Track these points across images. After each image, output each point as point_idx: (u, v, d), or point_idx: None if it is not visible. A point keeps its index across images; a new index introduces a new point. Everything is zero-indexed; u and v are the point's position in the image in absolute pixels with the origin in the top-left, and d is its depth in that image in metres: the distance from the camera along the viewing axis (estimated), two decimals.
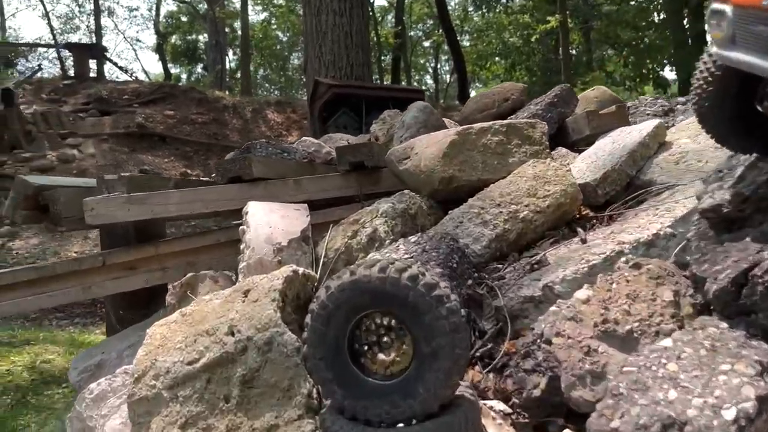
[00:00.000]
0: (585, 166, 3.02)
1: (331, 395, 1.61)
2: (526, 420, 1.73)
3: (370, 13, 21.63)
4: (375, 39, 23.20)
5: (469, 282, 2.31)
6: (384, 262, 1.58)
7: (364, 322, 1.63)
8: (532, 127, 3.13)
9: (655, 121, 3.16)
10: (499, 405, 1.77)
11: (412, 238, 2.50)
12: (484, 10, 23.03)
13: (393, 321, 1.61)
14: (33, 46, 28.84)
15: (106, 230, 3.41)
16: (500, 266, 2.49)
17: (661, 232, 2.14)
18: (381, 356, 1.62)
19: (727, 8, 1.44)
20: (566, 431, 1.61)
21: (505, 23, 21.10)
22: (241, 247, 2.76)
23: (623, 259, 1.96)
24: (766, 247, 1.52)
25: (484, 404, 1.76)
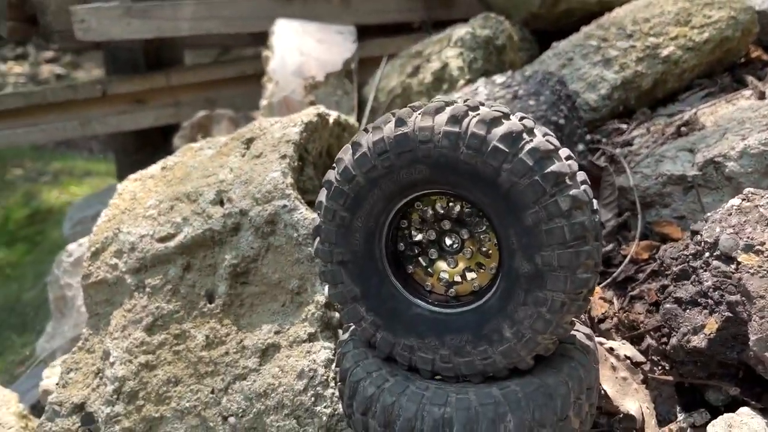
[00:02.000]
0: None
1: (357, 321, 0.97)
2: (668, 377, 1.07)
3: None
4: None
5: (579, 148, 1.57)
6: (459, 107, 0.86)
7: (416, 207, 0.95)
8: None
9: None
10: (624, 348, 1.11)
11: (499, 78, 1.73)
12: None
13: (466, 210, 0.92)
14: None
15: (110, 51, 2.75)
16: (624, 126, 1.72)
17: None
18: (441, 265, 0.96)
19: None
20: (744, 410, 0.94)
21: None
22: (264, 79, 2.06)
23: None
24: None
25: (602, 345, 1.10)
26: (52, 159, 11.65)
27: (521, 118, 0.88)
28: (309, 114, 1.41)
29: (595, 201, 0.89)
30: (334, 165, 0.94)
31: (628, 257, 1.30)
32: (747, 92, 1.65)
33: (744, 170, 1.27)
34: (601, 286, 1.28)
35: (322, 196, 0.95)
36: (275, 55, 2.05)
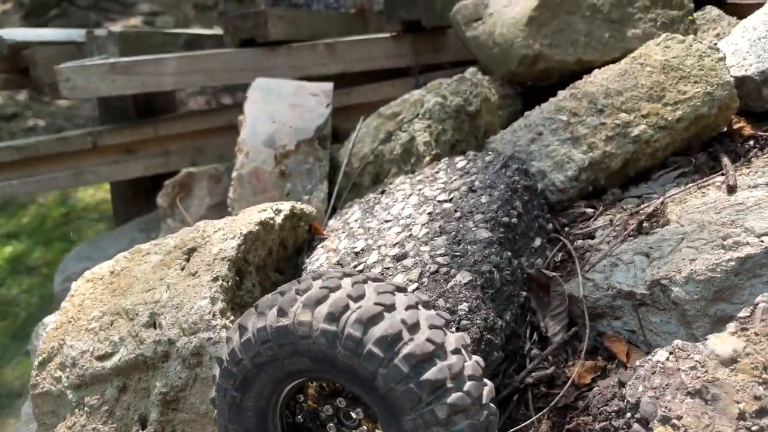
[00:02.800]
0: (747, 44, 1.96)
1: None
2: None
3: None
4: None
5: (536, 244, 1.51)
6: (341, 297, 0.83)
7: (309, 383, 0.93)
8: None
9: None
10: None
11: (459, 162, 1.68)
12: None
13: (350, 397, 0.90)
14: None
15: (102, 101, 2.78)
16: (591, 210, 1.66)
17: None
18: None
19: None
20: None
21: None
22: (235, 149, 2.05)
23: None
24: None
25: None
26: None
27: (407, 307, 0.85)
28: (249, 223, 1.40)
29: (487, 390, 0.85)
30: (226, 340, 0.93)
31: (570, 381, 1.25)
32: (720, 178, 1.57)
33: (690, 297, 1.21)
34: (541, 413, 1.24)
35: (216, 370, 0.94)
36: (246, 124, 2.04)
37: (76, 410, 1.32)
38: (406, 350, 0.80)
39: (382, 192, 1.75)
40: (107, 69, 2.43)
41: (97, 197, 9.70)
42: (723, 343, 0.98)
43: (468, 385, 0.83)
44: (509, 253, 1.40)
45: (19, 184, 2.65)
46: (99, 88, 2.43)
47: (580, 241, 1.55)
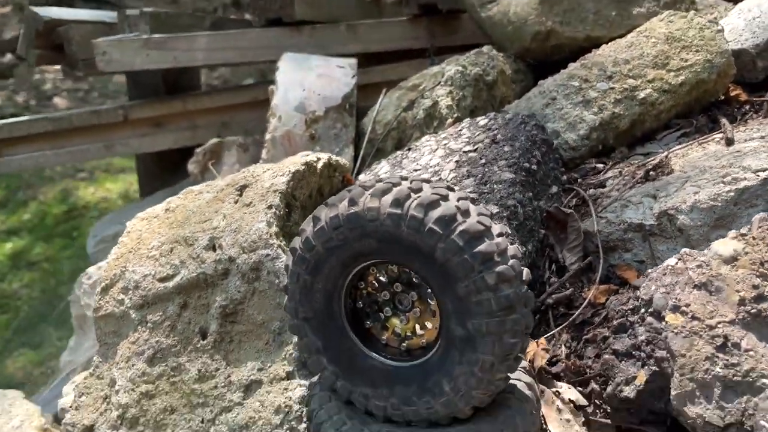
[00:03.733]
0: (743, 23, 2.13)
1: (320, 370, 1.11)
2: (607, 420, 1.18)
3: None
4: None
5: (553, 190, 1.67)
6: (403, 189, 0.98)
7: (371, 271, 1.07)
8: None
9: None
10: (570, 392, 1.22)
11: (482, 120, 1.83)
12: None
13: (411, 274, 1.04)
14: None
15: (132, 77, 2.93)
16: (601, 166, 1.81)
17: None
18: (396, 321, 1.08)
19: None
20: None
21: None
22: (268, 114, 2.20)
23: None
24: None
25: (549, 391, 1.21)
26: None
27: (459, 199, 1.00)
28: (296, 163, 1.55)
29: (525, 271, 1.00)
30: (299, 233, 1.07)
31: (587, 301, 1.40)
32: (718, 136, 1.73)
33: (694, 223, 1.36)
34: (560, 327, 1.39)
35: (289, 260, 1.08)
36: (278, 91, 2.18)
37: (139, 327, 1.45)
38: (461, 228, 0.94)
39: (409, 149, 1.90)
40: (142, 44, 2.58)
41: (97, 195, 9.78)
42: (725, 245, 1.14)
43: (512, 261, 0.97)
44: (530, 194, 1.55)
45: (53, 155, 2.78)
46: (133, 62, 2.58)
47: (592, 190, 1.71)
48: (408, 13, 2.84)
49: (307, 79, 2.21)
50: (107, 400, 1.44)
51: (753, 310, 1.06)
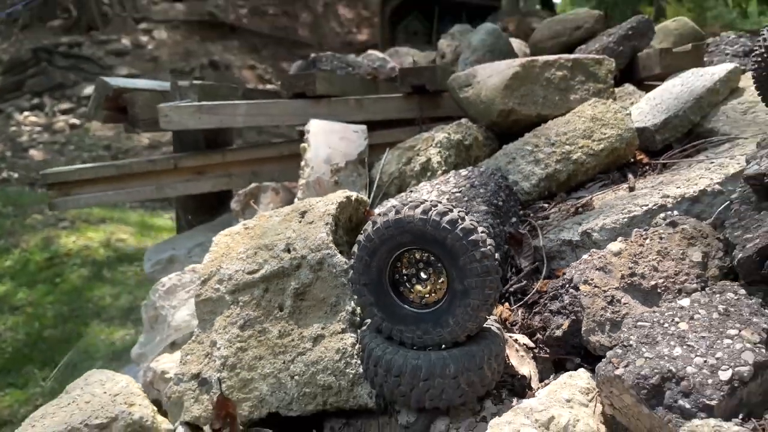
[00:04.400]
0: (648, 108, 2.98)
1: (372, 316, 1.80)
2: (546, 355, 1.89)
3: None
4: None
5: (513, 220, 2.42)
6: (427, 205, 1.71)
7: (405, 255, 1.79)
8: (598, 63, 3.08)
9: (730, 66, 3.05)
10: (523, 339, 1.93)
11: (463, 172, 2.60)
12: None
13: (431, 257, 1.76)
14: None
15: (178, 135, 3.64)
16: (546, 205, 2.58)
17: (709, 189, 2.16)
18: (418, 287, 1.79)
19: None
20: (581, 370, 1.76)
21: None
22: (302, 164, 2.93)
23: (662, 215, 2.02)
24: None
25: (510, 337, 1.93)
26: None
27: (458, 211, 1.73)
28: (340, 197, 2.27)
29: (497, 254, 1.73)
30: (362, 231, 1.78)
31: (535, 290, 2.13)
32: (626, 185, 2.52)
33: (602, 237, 2.12)
34: (517, 306, 2.11)
35: (356, 248, 1.79)
36: (311, 148, 2.92)
37: (232, 306, 2.12)
38: (461, 226, 1.66)
39: (410, 191, 2.64)
40: (196, 109, 3.31)
41: (79, 243, 10.20)
42: (615, 245, 1.89)
43: (489, 246, 1.68)
44: (498, 221, 2.30)
45: (113, 194, 3.44)
46: (188, 123, 3.30)
47: (540, 221, 2.47)
48: (403, 91, 3.65)
49: (332, 140, 2.96)
50: (209, 356, 2.09)
51: (628, 282, 1.80)
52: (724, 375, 1.36)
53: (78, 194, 3.37)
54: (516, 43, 4.28)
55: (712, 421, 1.28)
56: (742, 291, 1.60)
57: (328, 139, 2.97)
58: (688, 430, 1.28)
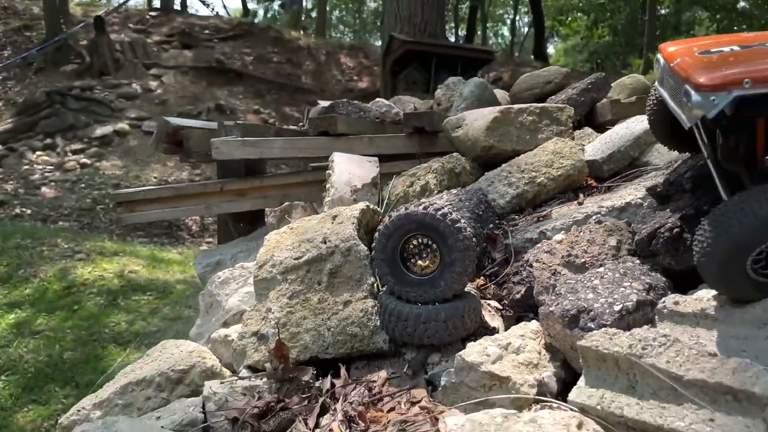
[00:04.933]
0: (599, 145, 3.82)
1: (387, 283, 2.58)
2: (510, 313, 2.66)
3: None
4: None
5: (490, 225, 3.22)
6: (427, 204, 2.51)
7: (411, 240, 2.57)
8: (560, 110, 3.93)
9: None
10: (494, 303, 2.70)
11: (453, 191, 3.40)
12: None
13: (429, 241, 2.54)
14: None
15: (223, 163, 4.46)
16: (517, 217, 3.38)
17: (633, 201, 2.97)
18: (420, 262, 2.57)
19: (660, 57, 2.25)
20: (533, 321, 2.52)
21: None
22: (327, 186, 3.74)
23: (594, 218, 2.82)
24: (674, 215, 2.36)
25: (485, 302, 2.70)
26: (84, 239, 13.11)
27: (451, 211, 2.52)
28: (362, 205, 3.06)
29: (474, 239, 2.51)
30: (381, 222, 2.57)
31: (504, 273, 2.91)
32: (576, 201, 3.33)
33: (553, 235, 2.91)
34: (491, 284, 2.89)
35: (376, 234, 2.57)
36: (334, 173, 3.73)
37: (282, 282, 2.88)
38: (450, 217, 2.44)
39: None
40: (241, 144, 4.13)
41: (94, 274, 10.89)
42: (558, 236, 2.69)
43: (468, 230, 2.46)
44: (479, 225, 3.10)
45: (171, 211, 4.23)
46: (235, 154, 4.11)
47: (510, 227, 3.26)
48: (406, 131, 4.50)
49: (351, 168, 3.78)
50: (265, 318, 2.84)
51: (566, 260, 2.59)
52: (617, 307, 2.14)
53: (142, 211, 4.16)
54: (500, 94, 5.16)
55: (605, 331, 2.05)
56: (637, 261, 2.39)
57: (348, 167, 3.78)
58: (590, 337, 2.05)
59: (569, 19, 21.80)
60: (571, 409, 1.91)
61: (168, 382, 2.76)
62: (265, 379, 2.61)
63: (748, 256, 1.79)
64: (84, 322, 9.35)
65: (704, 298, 2.06)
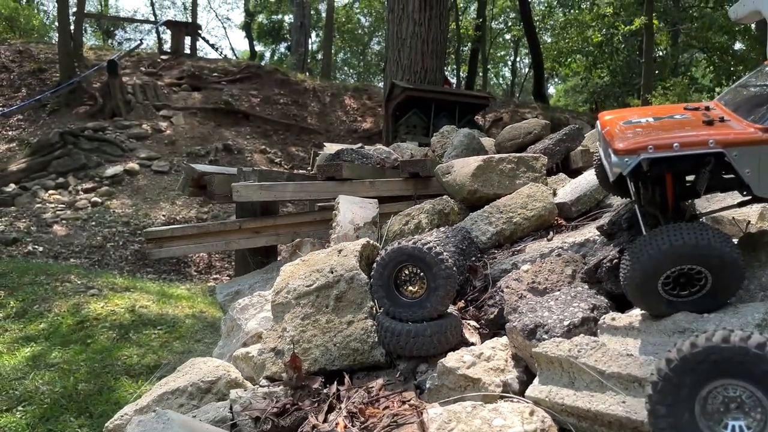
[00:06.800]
0: (570, 189, 4.40)
1: (383, 305, 3.13)
2: (486, 331, 3.20)
3: (453, 2, 22.33)
4: (455, 29, 23.78)
5: (473, 258, 3.78)
6: (416, 239, 3.08)
7: (403, 269, 3.13)
8: (536, 159, 4.53)
9: None
10: (472, 322, 3.25)
11: (442, 229, 3.97)
12: (569, 8, 22.73)
13: (418, 270, 3.10)
14: (137, 22, 31.54)
15: (241, 204, 5.05)
16: (496, 251, 3.94)
17: (591, 238, 3.54)
18: (410, 288, 3.12)
19: (598, 124, 2.85)
20: (504, 337, 3.06)
21: (588, 20, 20.44)
22: (333, 224, 4.32)
23: (556, 251, 3.38)
24: (615, 249, 2.92)
25: (465, 322, 3.24)
26: (96, 276, 13.65)
27: (436, 245, 3.09)
28: (362, 241, 3.62)
29: (456, 269, 3.07)
30: (379, 254, 3.13)
31: (483, 299, 3.45)
32: (546, 239, 3.89)
33: (523, 265, 3.47)
34: (471, 307, 3.43)
35: (375, 264, 3.13)
36: (340, 213, 4.31)
37: (295, 306, 3.43)
38: (434, 250, 2.98)
39: None
40: (258, 187, 4.72)
41: (107, 309, 11.39)
42: (525, 266, 3.25)
43: (449, 261, 3.00)
44: (462, 257, 3.66)
45: (195, 246, 4.80)
46: (252, 196, 4.70)
47: (490, 259, 3.81)
48: (402, 176, 5.10)
49: (354, 209, 4.36)
50: (281, 337, 3.38)
51: (531, 286, 3.14)
52: (566, 323, 2.68)
53: (169, 246, 4.73)
54: (487, 143, 5.78)
55: (554, 340, 2.60)
56: (587, 286, 2.94)
57: (352, 207, 4.36)
58: (542, 345, 2.59)
59: (568, 60, 22.37)
60: (527, 403, 2.44)
61: (198, 391, 3.28)
62: (281, 387, 3.14)
63: (658, 280, 2.35)
64: (97, 355, 9.78)
65: (633, 314, 2.61)
